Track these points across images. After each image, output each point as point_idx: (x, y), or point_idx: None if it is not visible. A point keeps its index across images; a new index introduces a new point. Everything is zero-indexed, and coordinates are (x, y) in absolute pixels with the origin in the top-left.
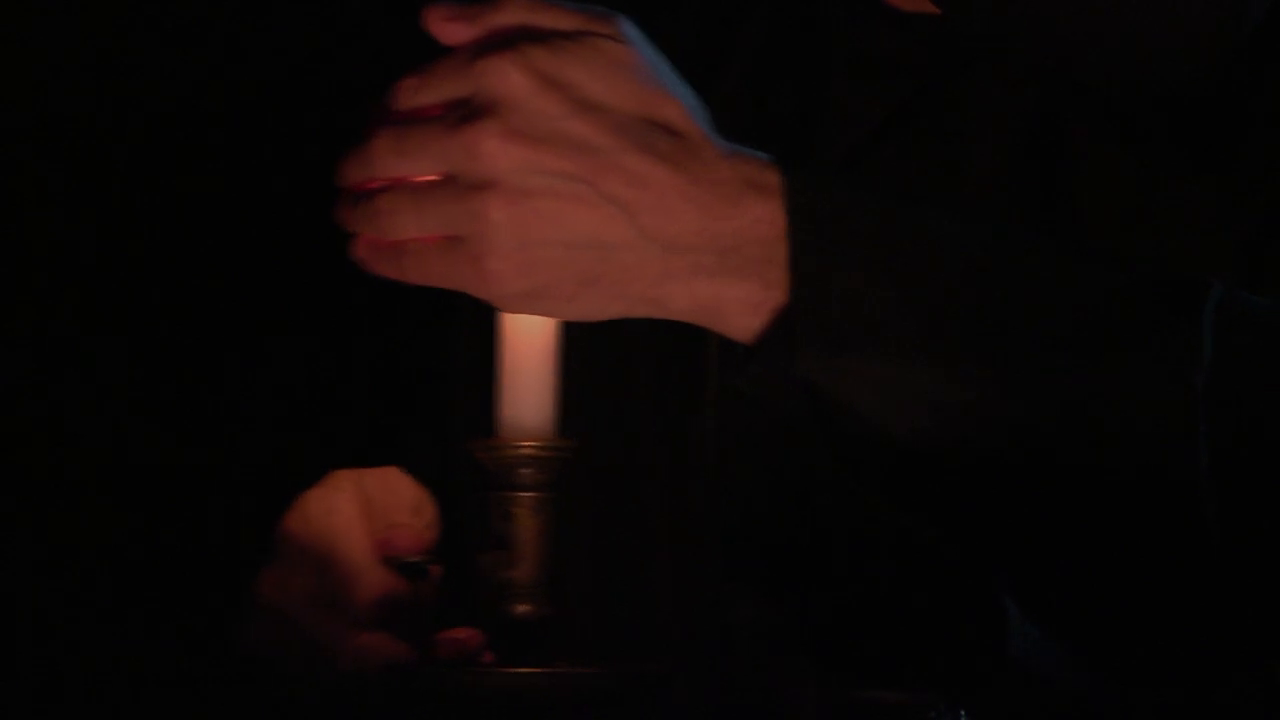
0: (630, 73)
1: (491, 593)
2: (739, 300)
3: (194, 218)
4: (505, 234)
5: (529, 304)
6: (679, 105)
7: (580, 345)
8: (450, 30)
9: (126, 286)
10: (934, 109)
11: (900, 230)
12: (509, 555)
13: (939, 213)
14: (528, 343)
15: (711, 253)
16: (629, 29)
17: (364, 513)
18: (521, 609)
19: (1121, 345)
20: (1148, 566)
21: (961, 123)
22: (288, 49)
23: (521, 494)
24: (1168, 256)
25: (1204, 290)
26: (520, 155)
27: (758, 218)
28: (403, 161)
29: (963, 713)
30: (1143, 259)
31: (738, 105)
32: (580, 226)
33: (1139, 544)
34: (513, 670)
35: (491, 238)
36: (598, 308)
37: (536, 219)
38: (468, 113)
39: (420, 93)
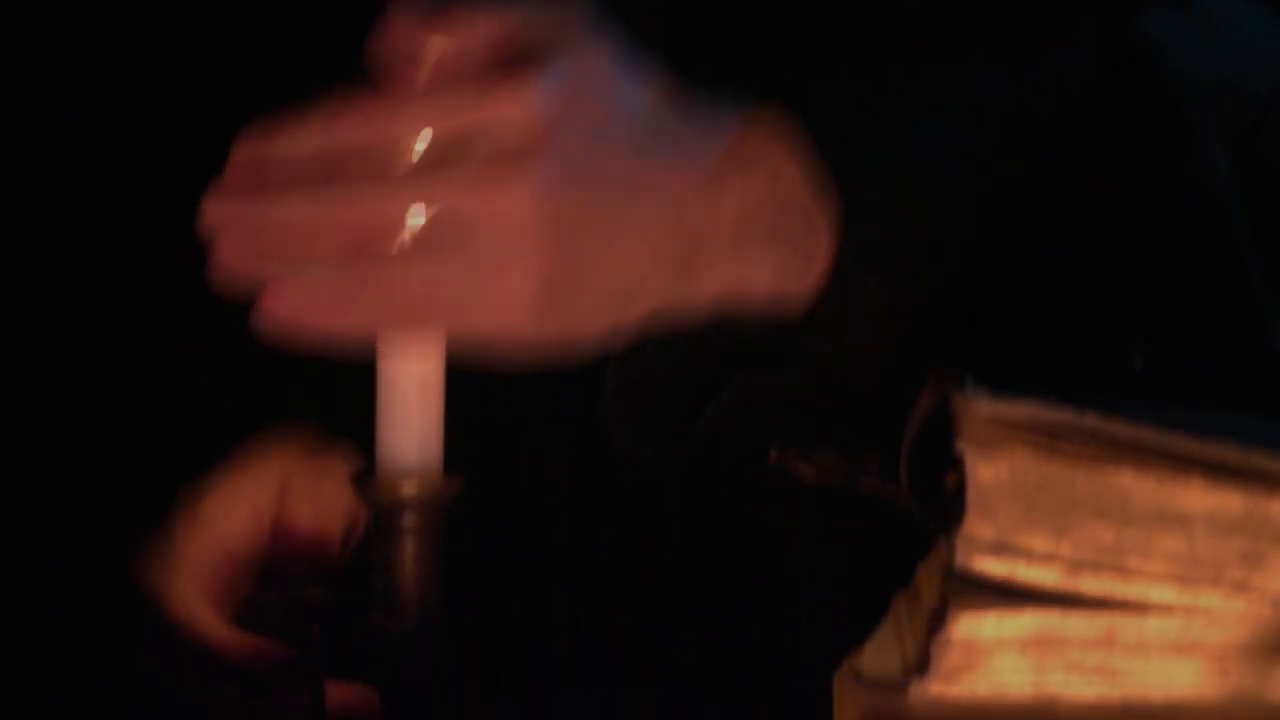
0: (616, 75)
1: (372, 650)
2: (770, 274)
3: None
4: (538, 291)
5: (552, 353)
6: (656, 91)
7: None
8: (417, 41)
9: None
10: None
11: (896, 136)
12: (390, 607)
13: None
14: (410, 367)
15: (728, 237)
16: (589, 18)
17: (266, 524)
18: (406, 668)
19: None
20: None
21: None
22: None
23: (402, 541)
24: None
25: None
26: (560, 203)
27: (769, 173)
28: (395, 207)
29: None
30: None
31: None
32: (616, 261)
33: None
34: None
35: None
36: (618, 333)
37: (571, 272)
38: (491, 156)
39: (395, 120)
